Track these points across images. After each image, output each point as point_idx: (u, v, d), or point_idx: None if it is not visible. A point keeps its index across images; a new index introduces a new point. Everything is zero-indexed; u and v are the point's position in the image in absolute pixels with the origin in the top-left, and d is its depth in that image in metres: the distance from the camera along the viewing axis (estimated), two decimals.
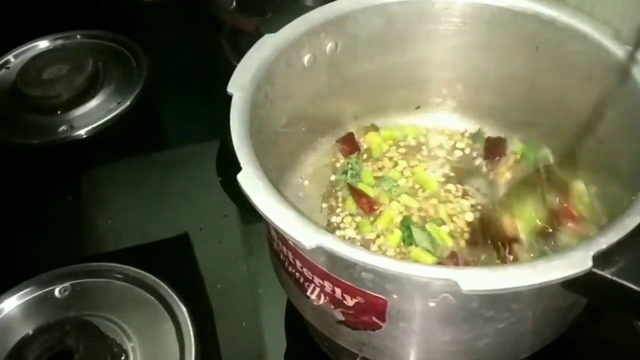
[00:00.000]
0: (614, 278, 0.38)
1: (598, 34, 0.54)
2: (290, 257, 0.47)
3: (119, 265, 0.66)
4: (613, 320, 0.60)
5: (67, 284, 0.65)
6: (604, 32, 0.54)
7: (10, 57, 0.96)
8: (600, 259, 0.38)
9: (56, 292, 0.65)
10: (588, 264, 0.37)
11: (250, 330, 0.64)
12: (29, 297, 0.64)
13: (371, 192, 0.61)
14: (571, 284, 0.38)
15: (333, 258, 0.40)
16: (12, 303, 0.64)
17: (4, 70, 0.94)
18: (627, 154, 0.51)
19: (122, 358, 0.58)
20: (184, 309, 0.62)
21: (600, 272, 0.38)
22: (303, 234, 0.40)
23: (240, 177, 0.43)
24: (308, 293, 0.46)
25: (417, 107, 0.68)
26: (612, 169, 0.53)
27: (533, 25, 0.57)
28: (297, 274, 0.47)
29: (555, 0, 0.57)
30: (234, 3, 0.89)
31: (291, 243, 0.44)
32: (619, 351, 0.59)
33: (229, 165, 0.78)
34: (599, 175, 0.57)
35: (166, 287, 0.63)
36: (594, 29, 0.54)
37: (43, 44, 0.97)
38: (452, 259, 0.55)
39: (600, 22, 0.55)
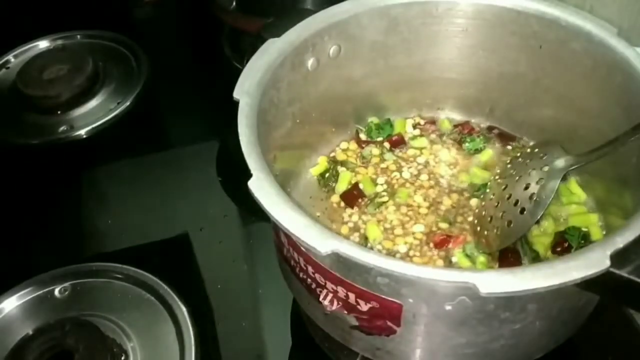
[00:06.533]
0: (632, 277, 0.38)
1: (601, 32, 0.54)
2: (302, 263, 0.46)
3: (119, 265, 0.66)
4: (613, 320, 0.60)
5: (67, 284, 0.65)
6: (607, 30, 0.54)
7: (10, 57, 0.96)
8: (617, 258, 0.38)
9: (56, 292, 0.65)
10: (606, 263, 0.37)
11: (250, 330, 0.63)
12: (29, 297, 0.64)
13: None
14: (587, 284, 0.38)
15: (348, 263, 0.40)
16: (12, 303, 0.64)
17: (4, 70, 0.94)
18: (633, 151, 0.51)
19: (122, 358, 0.58)
20: (184, 309, 0.61)
21: (617, 272, 0.38)
22: (318, 240, 0.40)
23: (251, 184, 0.43)
24: (320, 299, 0.46)
25: (421, 109, 0.68)
26: (617, 167, 0.54)
27: (536, 24, 0.57)
28: (309, 280, 0.47)
29: None
30: (234, 3, 0.89)
31: (304, 249, 0.44)
32: (619, 351, 0.59)
33: (229, 165, 0.79)
34: (602, 173, 0.57)
35: (166, 287, 0.63)
36: (597, 27, 0.54)
37: (43, 44, 0.97)
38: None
39: (602, 20, 0.55)
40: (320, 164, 0.65)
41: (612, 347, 0.59)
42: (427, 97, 0.68)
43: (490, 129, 0.67)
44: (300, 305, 0.53)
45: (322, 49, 0.58)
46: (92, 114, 0.86)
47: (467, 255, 0.56)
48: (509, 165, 0.61)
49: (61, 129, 0.84)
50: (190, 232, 0.72)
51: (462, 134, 0.66)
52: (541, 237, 0.57)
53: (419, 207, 0.61)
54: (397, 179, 0.63)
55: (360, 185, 0.62)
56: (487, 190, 0.60)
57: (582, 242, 0.55)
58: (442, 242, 0.57)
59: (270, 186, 0.43)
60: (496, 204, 0.57)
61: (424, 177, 0.63)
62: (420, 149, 0.66)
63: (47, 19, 1.01)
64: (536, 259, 0.56)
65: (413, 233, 0.59)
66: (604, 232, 0.57)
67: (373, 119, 0.67)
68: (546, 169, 0.55)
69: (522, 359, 0.48)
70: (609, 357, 0.59)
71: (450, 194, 0.62)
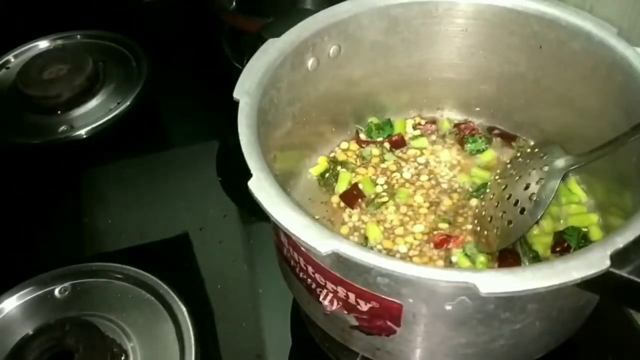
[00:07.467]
0: (632, 277, 0.38)
1: (601, 32, 0.54)
2: (302, 263, 0.46)
3: (119, 265, 0.66)
4: (613, 320, 0.60)
5: (67, 284, 0.65)
6: (607, 30, 0.54)
7: (10, 57, 0.96)
8: (617, 258, 0.38)
9: (56, 292, 0.65)
10: (606, 263, 0.37)
11: (250, 330, 0.63)
12: (29, 297, 0.64)
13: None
14: (587, 284, 0.38)
15: (348, 263, 0.40)
16: (12, 303, 0.64)
17: (4, 70, 0.94)
18: (633, 151, 0.51)
19: (122, 358, 0.58)
20: (184, 309, 0.62)
21: (617, 272, 0.38)
22: (318, 240, 0.40)
23: (251, 183, 0.43)
24: (320, 299, 0.46)
25: (421, 109, 0.68)
26: (617, 167, 0.54)
27: (536, 24, 0.57)
28: (309, 280, 0.47)
29: None
30: (234, 3, 0.90)
31: (304, 249, 0.44)
32: (619, 351, 0.59)
33: (229, 165, 0.79)
34: (602, 173, 0.57)
35: (166, 287, 0.63)
36: (597, 27, 0.54)
37: (43, 44, 0.97)
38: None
39: (602, 20, 0.55)
40: (320, 164, 0.65)
41: (612, 347, 0.59)
42: (427, 97, 0.67)
43: (490, 129, 0.67)
44: (300, 305, 0.53)
45: (322, 49, 0.58)
46: (92, 114, 0.86)
47: (467, 255, 0.56)
48: (509, 165, 0.61)
49: (61, 129, 0.84)
50: (190, 232, 0.72)
51: (463, 134, 0.66)
52: (541, 237, 0.57)
53: (419, 207, 0.61)
54: (397, 179, 0.63)
55: (360, 186, 0.62)
56: (487, 190, 0.60)
57: (582, 242, 0.55)
58: (442, 242, 0.57)
59: (270, 186, 0.43)
60: (496, 204, 0.57)
61: (424, 177, 0.63)
62: (421, 149, 0.66)
63: (47, 19, 1.01)
64: (536, 259, 0.56)
65: (413, 233, 0.59)
66: (604, 232, 0.57)
67: (373, 119, 0.67)
68: (546, 169, 0.55)
69: (522, 359, 0.48)
70: (609, 357, 0.59)
71: (451, 194, 0.62)
